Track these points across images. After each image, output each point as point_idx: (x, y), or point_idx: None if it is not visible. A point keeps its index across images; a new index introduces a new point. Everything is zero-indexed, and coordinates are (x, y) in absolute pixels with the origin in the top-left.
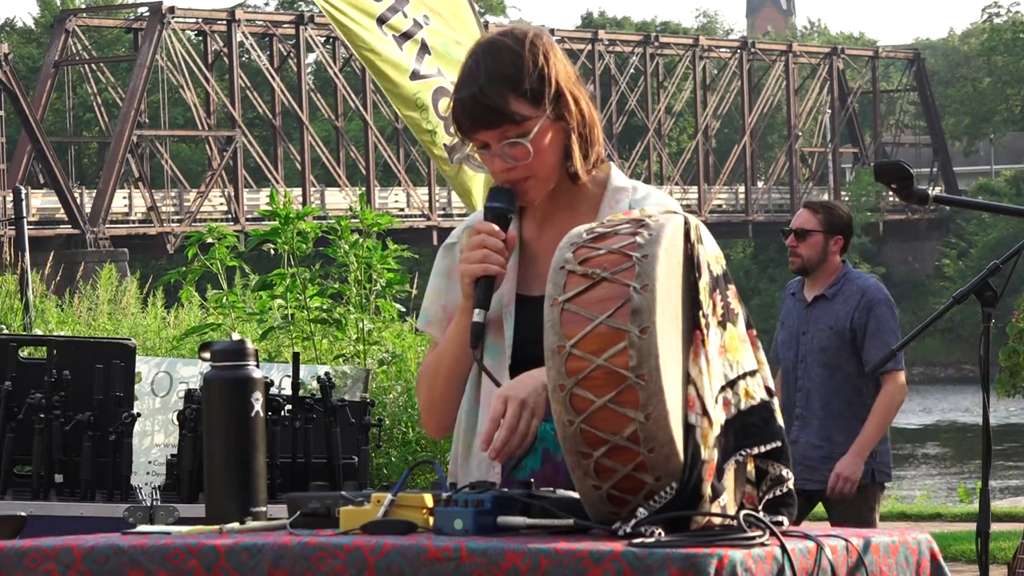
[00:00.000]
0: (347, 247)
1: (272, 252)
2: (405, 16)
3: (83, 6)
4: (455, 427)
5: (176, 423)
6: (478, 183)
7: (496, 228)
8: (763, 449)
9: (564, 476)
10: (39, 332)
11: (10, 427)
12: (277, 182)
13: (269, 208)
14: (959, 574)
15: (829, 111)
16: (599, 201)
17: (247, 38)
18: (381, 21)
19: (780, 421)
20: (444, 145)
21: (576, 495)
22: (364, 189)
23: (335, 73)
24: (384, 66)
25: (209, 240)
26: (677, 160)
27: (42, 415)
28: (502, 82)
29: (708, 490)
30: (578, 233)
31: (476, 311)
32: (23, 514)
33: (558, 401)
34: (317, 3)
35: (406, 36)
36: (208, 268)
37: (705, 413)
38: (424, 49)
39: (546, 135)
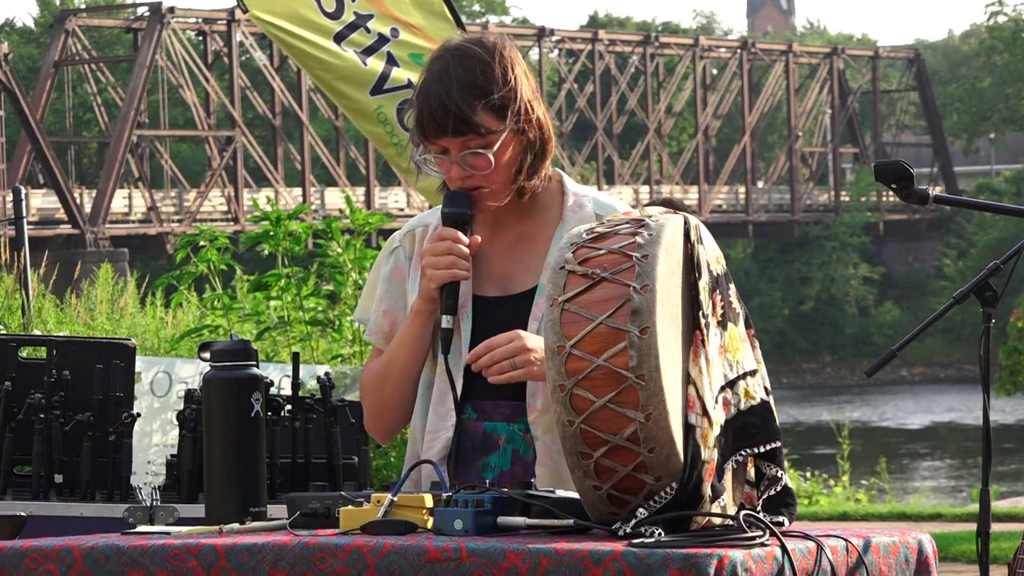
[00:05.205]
0: (339, 248)
1: (265, 253)
2: (368, 31)
3: (83, 6)
4: (410, 432)
5: (176, 423)
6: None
7: (460, 234)
8: (763, 449)
9: (533, 475)
10: (38, 332)
11: (10, 427)
12: (277, 182)
13: (258, 214)
14: (959, 574)
15: (829, 111)
16: (552, 205)
17: (247, 38)
18: (340, 38)
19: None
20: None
21: (576, 495)
22: (347, 192)
23: None
24: (340, 84)
25: (202, 243)
26: (677, 160)
27: (42, 415)
28: (471, 91)
29: (708, 490)
30: (578, 233)
31: (444, 318)
32: (23, 514)
33: (558, 401)
34: (262, 27)
35: (369, 51)
36: (205, 269)
37: (705, 413)
38: (391, 62)
39: (507, 148)
